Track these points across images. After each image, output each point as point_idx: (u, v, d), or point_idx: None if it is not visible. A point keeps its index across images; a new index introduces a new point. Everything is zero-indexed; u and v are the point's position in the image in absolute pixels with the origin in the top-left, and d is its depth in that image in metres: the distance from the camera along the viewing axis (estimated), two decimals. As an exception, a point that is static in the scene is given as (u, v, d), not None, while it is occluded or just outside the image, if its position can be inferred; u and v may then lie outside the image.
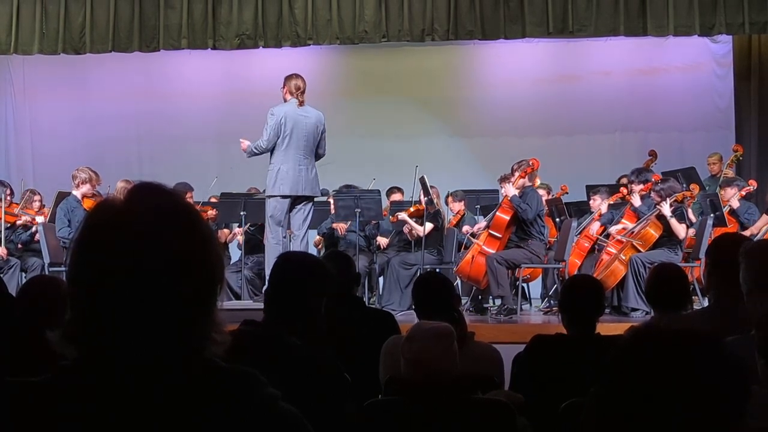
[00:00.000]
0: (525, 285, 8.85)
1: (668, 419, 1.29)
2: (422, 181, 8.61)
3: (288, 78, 7.35)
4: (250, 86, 11.15)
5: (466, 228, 8.82)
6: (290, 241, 7.52)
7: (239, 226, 9.12)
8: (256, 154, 7.36)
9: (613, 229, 8.14)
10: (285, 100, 7.31)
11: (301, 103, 7.26)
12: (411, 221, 8.89)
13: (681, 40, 10.11)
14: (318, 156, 7.37)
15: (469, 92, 11.56)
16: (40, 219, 8.60)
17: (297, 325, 2.65)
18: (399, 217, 8.88)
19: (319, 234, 9.51)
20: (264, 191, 7.59)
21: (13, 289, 7.78)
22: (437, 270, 8.31)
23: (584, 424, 1.40)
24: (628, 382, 1.32)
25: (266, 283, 2.91)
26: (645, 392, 1.30)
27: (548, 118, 11.28)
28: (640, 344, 1.35)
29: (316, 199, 7.64)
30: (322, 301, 2.77)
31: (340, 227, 9.22)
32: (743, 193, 8.58)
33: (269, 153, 7.29)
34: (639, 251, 7.68)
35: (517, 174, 8.03)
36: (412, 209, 8.90)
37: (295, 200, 7.32)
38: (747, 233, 7.79)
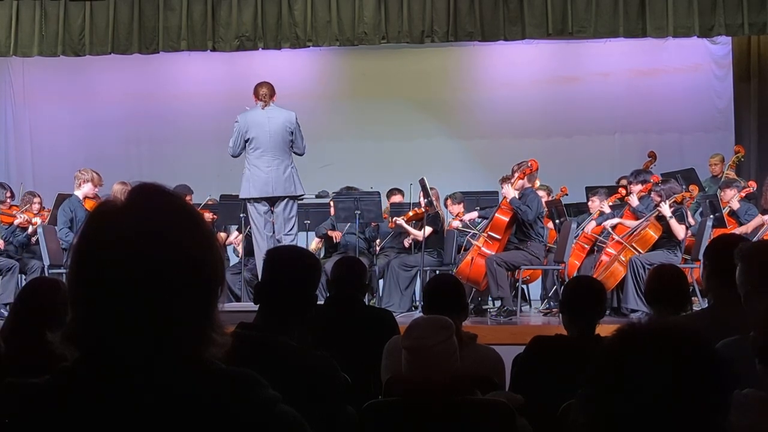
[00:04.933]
0: (524, 286, 8.85)
1: (652, 417, 1.30)
2: (422, 182, 8.60)
3: (255, 86, 7.73)
4: (249, 88, 11.05)
5: (456, 224, 8.78)
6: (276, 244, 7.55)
7: (238, 230, 9.10)
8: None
9: (608, 224, 8.14)
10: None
11: (266, 105, 7.50)
12: (408, 226, 8.88)
13: (680, 41, 10.11)
14: (296, 155, 7.54)
15: (469, 94, 11.55)
16: (38, 221, 8.59)
17: (292, 324, 2.64)
18: (396, 222, 8.89)
19: (317, 236, 9.49)
20: None
21: (12, 292, 7.83)
22: (436, 271, 8.31)
23: (574, 424, 1.41)
24: (613, 382, 1.33)
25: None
26: (628, 391, 1.31)
27: (548, 120, 11.27)
28: (624, 344, 1.37)
29: (317, 201, 7.68)
30: (315, 291, 2.77)
31: (336, 235, 9.22)
32: (743, 194, 8.58)
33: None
34: (638, 252, 7.69)
35: (516, 175, 8.04)
36: (410, 213, 8.89)
37: (272, 203, 7.41)
38: (739, 231, 7.79)
